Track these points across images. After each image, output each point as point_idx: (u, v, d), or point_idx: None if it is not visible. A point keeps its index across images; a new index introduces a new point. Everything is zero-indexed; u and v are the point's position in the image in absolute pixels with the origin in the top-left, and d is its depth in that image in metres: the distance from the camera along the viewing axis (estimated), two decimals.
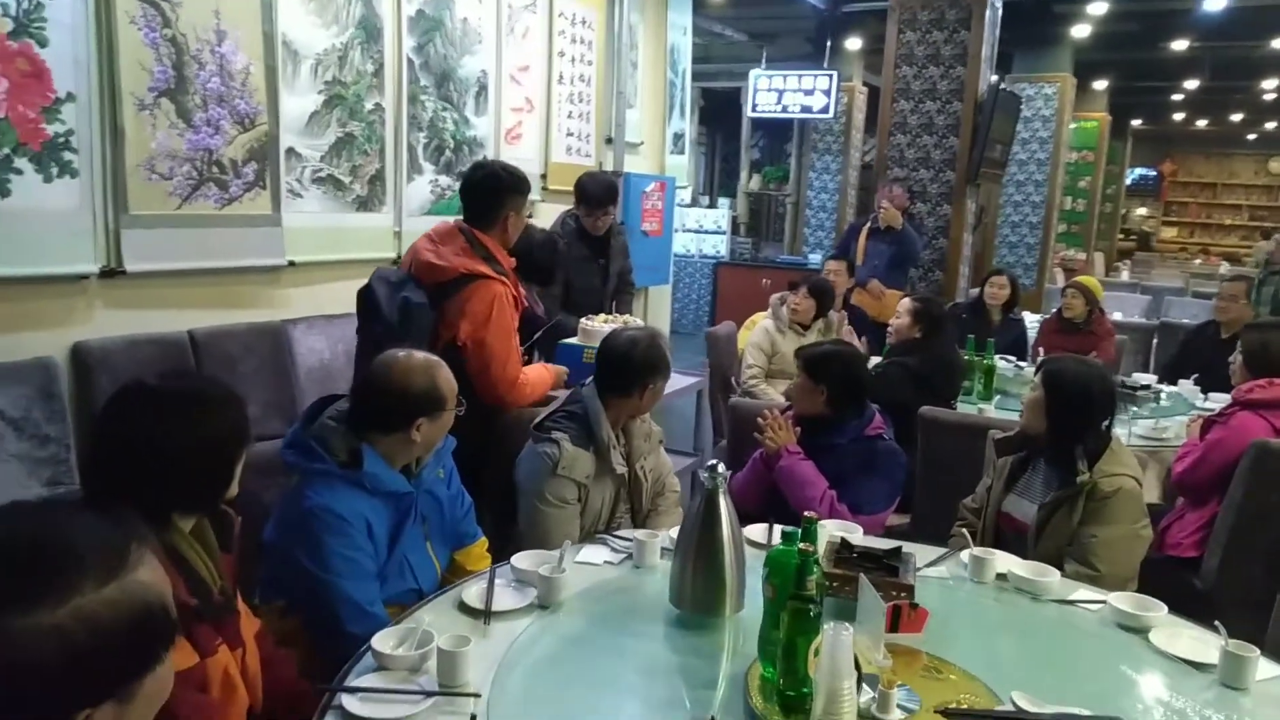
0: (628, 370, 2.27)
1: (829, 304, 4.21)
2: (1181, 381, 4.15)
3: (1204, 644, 1.65)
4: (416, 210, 4.61)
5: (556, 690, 1.46)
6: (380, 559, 1.79)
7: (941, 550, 2.06)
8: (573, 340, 3.47)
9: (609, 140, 6.03)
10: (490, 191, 2.72)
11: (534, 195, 5.38)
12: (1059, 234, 11.48)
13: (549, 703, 1.45)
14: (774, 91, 10.31)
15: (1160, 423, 3.38)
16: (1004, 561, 1.95)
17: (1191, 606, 2.61)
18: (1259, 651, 1.55)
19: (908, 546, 1.95)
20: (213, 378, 1.57)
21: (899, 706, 1.36)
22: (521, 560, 1.82)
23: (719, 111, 13.77)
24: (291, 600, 1.71)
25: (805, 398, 2.49)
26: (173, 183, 3.45)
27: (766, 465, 2.46)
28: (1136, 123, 15.13)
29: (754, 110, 10.57)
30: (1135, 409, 3.57)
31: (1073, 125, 10.73)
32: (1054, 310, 5.02)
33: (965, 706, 1.37)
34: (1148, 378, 4.19)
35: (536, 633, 1.62)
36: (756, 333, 4.22)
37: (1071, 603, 1.84)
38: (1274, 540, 2.73)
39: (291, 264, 3.93)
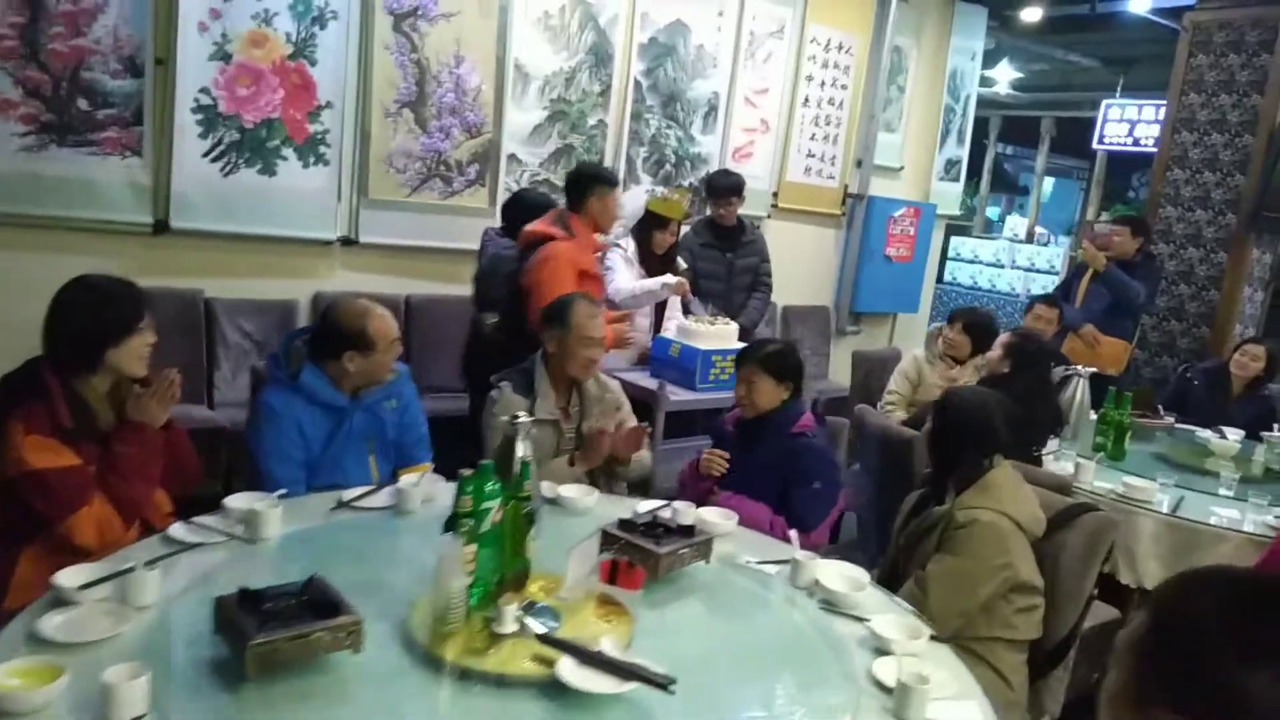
0: (541, 323, 2.62)
1: (987, 342, 3.97)
2: None
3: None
4: (630, 217, 5.14)
5: (316, 557, 1.87)
6: (310, 454, 2.31)
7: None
8: (669, 335, 3.77)
9: (860, 163, 6.08)
10: (574, 182, 3.44)
11: (763, 211, 5.69)
12: None
13: (301, 558, 1.85)
14: (1125, 122, 9.37)
15: None
16: (826, 571, 1.96)
17: None
18: (928, 686, 1.48)
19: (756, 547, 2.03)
20: (125, 282, 2.12)
21: (537, 623, 1.58)
22: (404, 479, 2.25)
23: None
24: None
25: (769, 395, 2.56)
26: (405, 175, 4.35)
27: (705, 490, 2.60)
28: None
29: (1101, 142, 9.68)
30: None
31: None
32: None
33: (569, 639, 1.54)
34: None
35: (356, 520, 2.05)
36: (905, 360, 4.12)
37: (859, 619, 1.81)
38: None
39: None
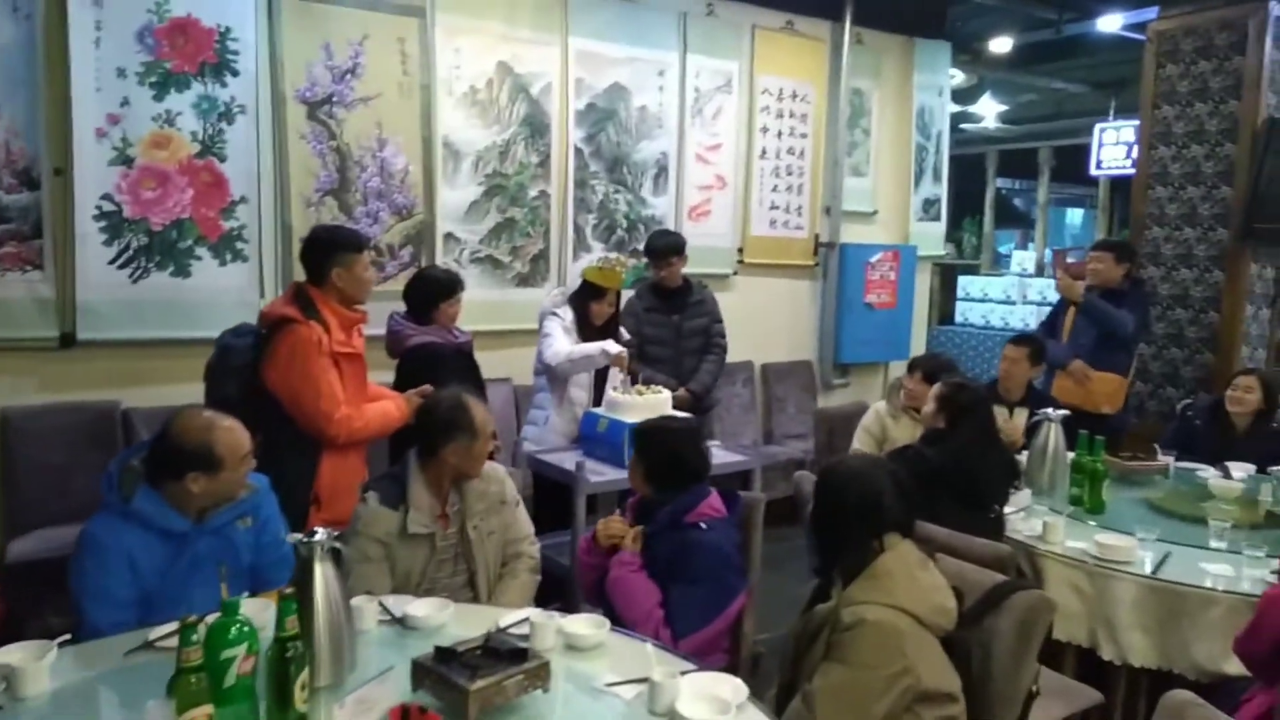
0: (426, 430, 2.33)
1: None
2: None
3: None
4: (570, 285, 4.91)
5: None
6: (144, 588, 2.07)
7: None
8: (597, 410, 3.50)
9: (828, 210, 5.84)
10: (309, 252, 2.94)
11: (728, 269, 5.45)
12: None
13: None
14: (1122, 144, 9.04)
15: None
16: (690, 692, 1.64)
17: None
18: None
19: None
20: None
21: None
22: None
23: None
24: None
25: (631, 473, 2.30)
26: None
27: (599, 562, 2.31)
28: None
29: (1099, 167, 9.35)
30: None
31: None
32: None
33: None
34: None
35: (155, 666, 1.77)
36: (868, 415, 3.81)
37: None
38: None
39: None
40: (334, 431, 2.76)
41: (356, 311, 2.94)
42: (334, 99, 4.11)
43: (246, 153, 3.92)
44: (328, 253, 2.86)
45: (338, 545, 1.73)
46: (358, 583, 2.22)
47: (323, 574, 1.69)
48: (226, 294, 3.92)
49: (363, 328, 3.05)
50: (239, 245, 3.95)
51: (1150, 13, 5.61)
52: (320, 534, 1.70)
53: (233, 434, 2.15)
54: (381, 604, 2.07)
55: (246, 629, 1.44)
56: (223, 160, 3.88)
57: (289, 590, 1.52)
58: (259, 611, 1.94)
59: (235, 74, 3.86)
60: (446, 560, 2.35)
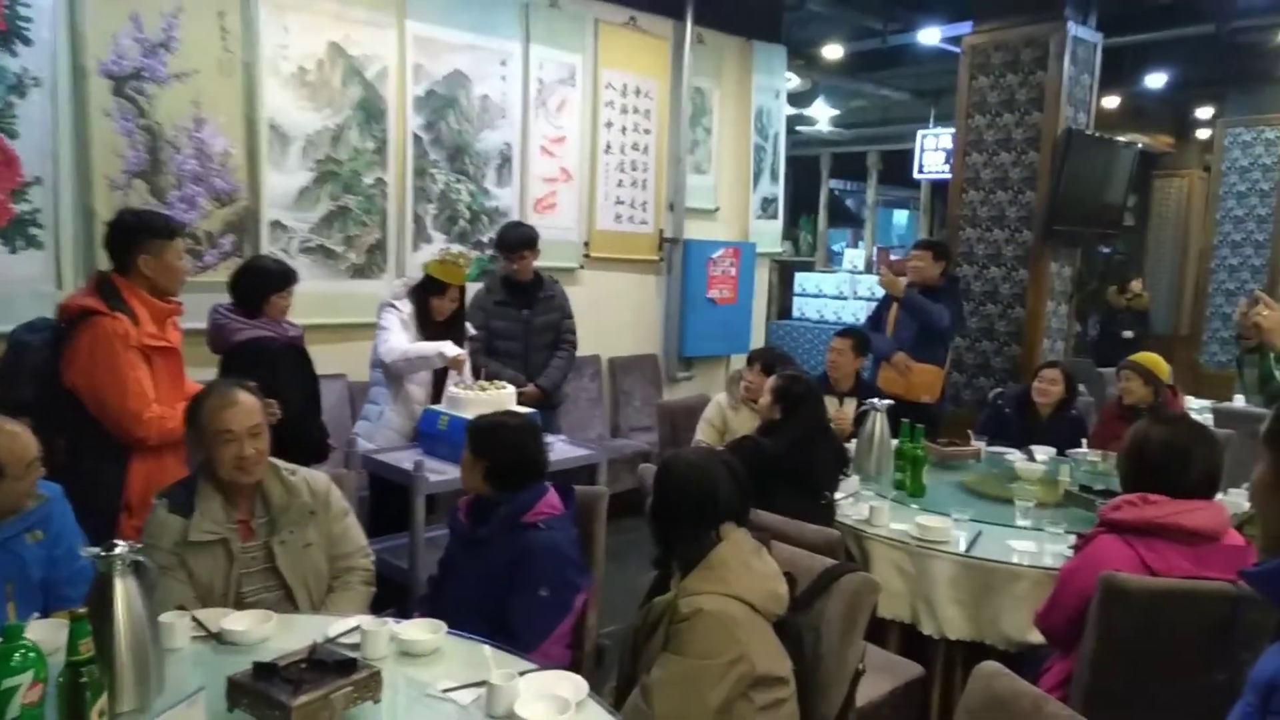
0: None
1: None
2: (1233, 490, 3.25)
3: None
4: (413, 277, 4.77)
5: None
6: None
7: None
8: (437, 407, 3.41)
9: (672, 207, 5.92)
10: (113, 238, 2.72)
11: (574, 263, 5.43)
12: None
13: None
14: (941, 151, 9.64)
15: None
16: (529, 693, 1.62)
17: None
18: None
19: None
20: None
21: None
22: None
23: None
24: None
25: (466, 473, 2.25)
26: None
27: None
28: None
29: (920, 171, 9.94)
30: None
31: None
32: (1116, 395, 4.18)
33: None
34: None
35: None
36: (709, 408, 3.90)
37: None
38: (1142, 710, 2.05)
39: None
40: (143, 432, 2.56)
41: (170, 302, 2.73)
42: (144, 74, 3.80)
43: (41, 129, 3.57)
44: (135, 239, 2.65)
45: (140, 558, 1.59)
46: (163, 594, 2.05)
47: (124, 589, 1.55)
48: (18, 285, 3.56)
49: (178, 320, 2.84)
50: (33, 231, 3.59)
51: (965, 27, 6.01)
52: (120, 547, 1.55)
53: (15, 440, 1.96)
54: (195, 619, 1.93)
55: (32, 654, 1.30)
56: (13, 137, 3.51)
57: (81, 610, 1.38)
58: (53, 633, 1.77)
59: (28, 43, 3.50)
60: (254, 573, 2.17)
